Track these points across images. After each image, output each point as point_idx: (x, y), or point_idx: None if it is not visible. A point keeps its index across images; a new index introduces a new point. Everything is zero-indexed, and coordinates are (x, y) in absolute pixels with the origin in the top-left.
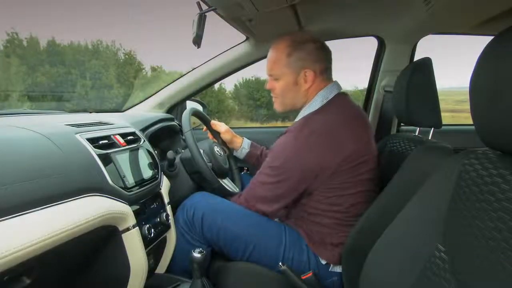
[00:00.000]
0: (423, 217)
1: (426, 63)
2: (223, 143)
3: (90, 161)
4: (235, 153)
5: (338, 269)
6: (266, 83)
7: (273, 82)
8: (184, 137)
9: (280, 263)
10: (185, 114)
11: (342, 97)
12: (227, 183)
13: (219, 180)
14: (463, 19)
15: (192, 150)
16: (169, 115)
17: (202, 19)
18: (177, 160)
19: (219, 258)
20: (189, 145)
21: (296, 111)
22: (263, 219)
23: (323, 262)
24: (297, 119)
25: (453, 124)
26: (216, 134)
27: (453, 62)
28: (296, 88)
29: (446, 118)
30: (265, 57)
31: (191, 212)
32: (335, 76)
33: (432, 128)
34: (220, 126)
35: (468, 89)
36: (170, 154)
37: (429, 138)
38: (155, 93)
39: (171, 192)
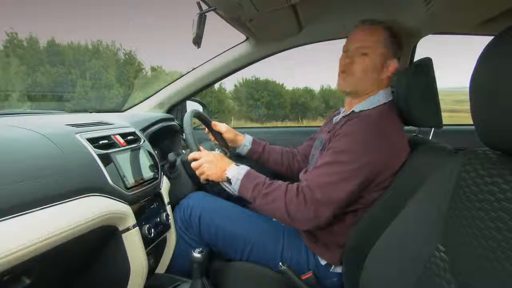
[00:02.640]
0: (423, 217)
1: (427, 63)
2: (224, 145)
3: (90, 161)
4: (237, 150)
5: (338, 269)
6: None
7: (358, 57)
8: (185, 138)
9: (280, 263)
10: (187, 116)
11: (393, 104)
12: (227, 184)
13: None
14: (463, 19)
15: (193, 151)
16: (169, 115)
17: (202, 19)
18: (178, 161)
19: (218, 258)
20: (190, 146)
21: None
22: (261, 219)
23: (323, 262)
24: (361, 105)
25: (453, 124)
26: (217, 135)
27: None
28: (378, 72)
29: (445, 118)
30: (265, 57)
31: (188, 212)
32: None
33: (433, 128)
34: (221, 126)
35: (467, 89)
36: (171, 156)
37: (430, 138)
38: (155, 93)
39: (171, 193)
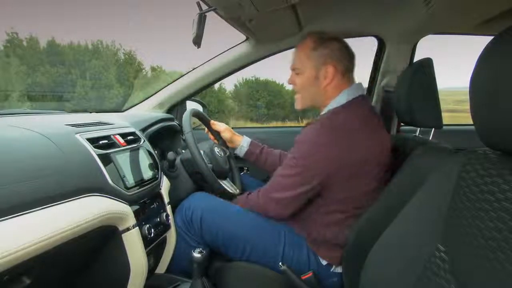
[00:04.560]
0: (423, 217)
1: (427, 63)
2: (224, 144)
3: (90, 161)
4: (235, 151)
5: (339, 269)
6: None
7: (294, 77)
8: (184, 138)
9: (280, 263)
10: (186, 115)
11: (364, 98)
12: (227, 184)
13: (219, 181)
14: (463, 19)
15: (192, 151)
16: (169, 115)
17: (202, 19)
18: (178, 161)
19: (219, 258)
20: (190, 146)
21: (314, 110)
22: (261, 219)
23: (324, 262)
24: (322, 113)
25: (453, 124)
26: (216, 134)
27: (453, 62)
28: (316, 83)
29: (445, 118)
30: (265, 57)
31: (189, 213)
32: None
33: (433, 129)
34: (219, 125)
35: (468, 89)
36: (170, 155)
37: (430, 138)
38: (155, 93)
39: (171, 193)
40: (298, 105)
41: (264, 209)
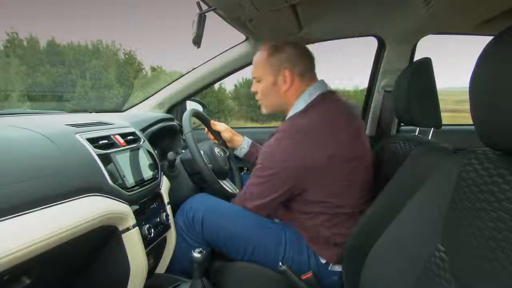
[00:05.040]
0: (423, 217)
1: (426, 63)
2: (224, 144)
3: (90, 161)
4: (235, 152)
5: (338, 268)
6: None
7: (256, 85)
8: (184, 138)
9: (280, 263)
10: (186, 115)
11: (326, 95)
12: (227, 184)
13: (219, 181)
14: (463, 19)
15: (192, 151)
16: (169, 115)
17: (202, 19)
18: (178, 161)
19: (219, 258)
20: (190, 146)
21: (282, 113)
22: (262, 220)
23: (323, 261)
24: (287, 118)
25: (453, 124)
26: (216, 134)
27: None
28: (276, 89)
29: (446, 118)
30: None
31: (191, 214)
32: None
33: (432, 128)
34: (219, 125)
35: (468, 89)
36: (170, 155)
37: (429, 138)
38: (155, 93)
39: (171, 193)
40: (263, 111)
41: (243, 205)
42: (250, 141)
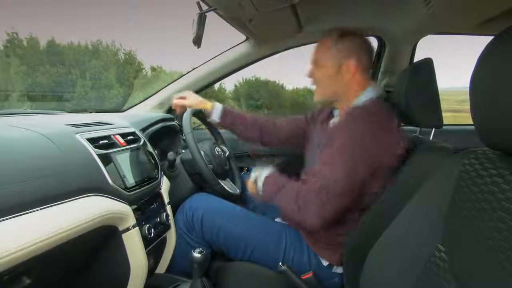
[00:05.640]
0: (423, 217)
1: (427, 63)
2: (223, 143)
3: (90, 161)
4: (208, 120)
5: (340, 270)
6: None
7: (314, 69)
8: (184, 138)
9: (281, 263)
10: (186, 115)
11: (380, 101)
12: (227, 184)
13: (220, 181)
14: (463, 19)
15: (192, 152)
16: (169, 115)
17: (202, 19)
18: (178, 161)
19: (219, 258)
20: (190, 146)
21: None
22: (263, 220)
23: (325, 263)
24: (354, 105)
25: (453, 124)
26: (216, 133)
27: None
28: (338, 77)
29: (448, 118)
30: (265, 57)
31: (190, 214)
32: None
33: (433, 129)
34: (183, 94)
35: (468, 89)
36: (170, 155)
37: (430, 138)
38: (155, 93)
39: (171, 193)
40: (317, 98)
41: (321, 203)
42: (220, 110)
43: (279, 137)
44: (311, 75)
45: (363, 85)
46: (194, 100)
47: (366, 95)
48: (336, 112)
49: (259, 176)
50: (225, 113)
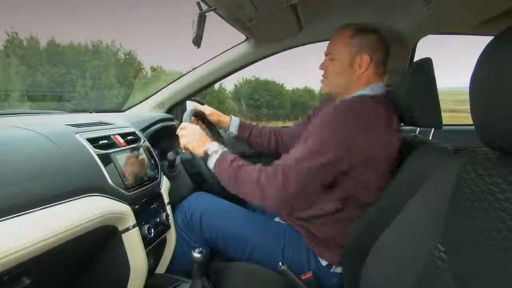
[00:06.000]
0: (423, 217)
1: (427, 63)
2: (223, 143)
3: (90, 161)
4: (225, 134)
5: (339, 270)
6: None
7: (327, 62)
8: None
9: (280, 263)
10: (186, 115)
11: (386, 98)
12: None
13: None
14: (463, 19)
15: None
16: (169, 115)
17: (202, 19)
18: (178, 161)
19: (219, 258)
20: None
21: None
22: (262, 219)
23: (324, 263)
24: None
25: (453, 124)
26: (216, 133)
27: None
28: (350, 71)
29: (445, 118)
30: (265, 57)
31: (189, 213)
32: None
33: (433, 129)
34: (204, 108)
35: (468, 89)
36: (170, 155)
37: (430, 138)
38: (155, 93)
39: (171, 193)
40: (325, 89)
41: (283, 185)
42: (237, 123)
43: (293, 145)
44: (323, 66)
45: (368, 82)
46: (212, 111)
47: (361, 93)
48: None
49: (214, 150)
50: (241, 126)
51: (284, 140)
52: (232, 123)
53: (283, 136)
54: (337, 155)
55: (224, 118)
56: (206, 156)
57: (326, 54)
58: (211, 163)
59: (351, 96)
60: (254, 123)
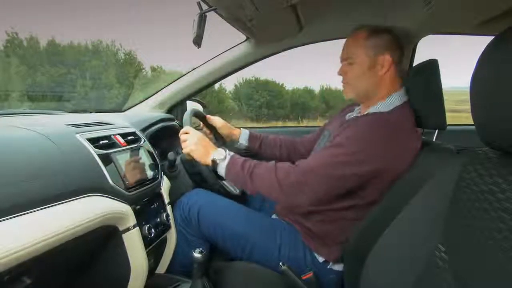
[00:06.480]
0: (424, 217)
1: (432, 64)
2: (223, 143)
3: (91, 161)
4: (235, 145)
5: (337, 267)
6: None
7: (346, 67)
8: None
9: (281, 263)
10: (186, 115)
11: (408, 105)
12: (227, 184)
13: (220, 180)
14: (463, 19)
15: None
16: (169, 115)
17: (202, 19)
18: (178, 161)
19: (219, 258)
20: None
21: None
22: (259, 216)
23: (320, 260)
24: (368, 111)
25: (454, 124)
26: (216, 133)
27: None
28: (370, 73)
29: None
30: (265, 57)
31: (187, 208)
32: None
33: (436, 130)
34: (216, 120)
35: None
36: (171, 155)
37: (433, 139)
38: (155, 93)
39: (171, 193)
40: (348, 95)
41: (302, 180)
42: (247, 134)
43: (303, 154)
44: (342, 72)
45: (393, 87)
46: (223, 123)
47: (391, 101)
48: (358, 107)
49: (223, 155)
50: (251, 137)
51: (298, 150)
52: (242, 135)
53: (297, 146)
54: (368, 168)
55: (235, 130)
56: (215, 165)
57: (343, 59)
58: (221, 170)
59: (383, 106)
60: (264, 134)
